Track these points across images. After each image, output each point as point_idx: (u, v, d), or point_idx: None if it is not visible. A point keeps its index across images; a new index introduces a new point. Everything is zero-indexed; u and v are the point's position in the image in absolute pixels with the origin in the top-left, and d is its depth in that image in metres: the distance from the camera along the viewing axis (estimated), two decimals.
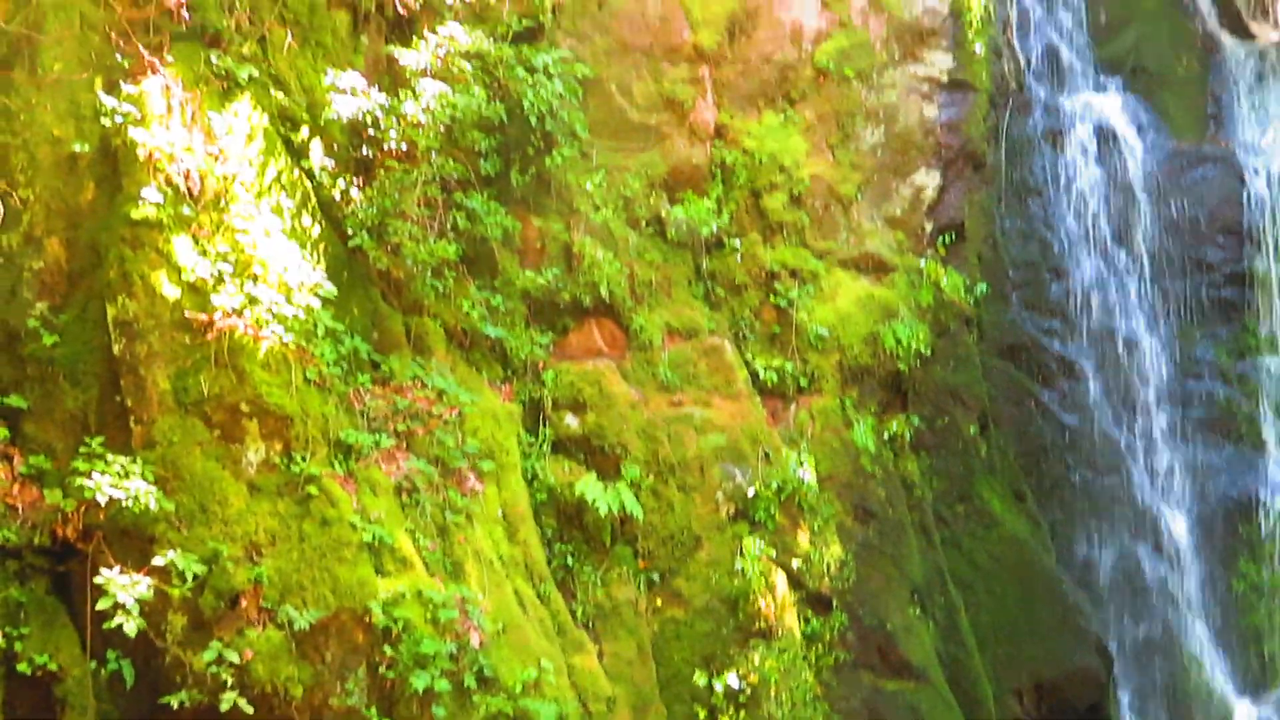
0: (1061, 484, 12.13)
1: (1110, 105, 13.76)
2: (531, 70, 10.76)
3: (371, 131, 9.66)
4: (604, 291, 10.70)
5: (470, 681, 8.12)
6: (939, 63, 12.78)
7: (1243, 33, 15.96)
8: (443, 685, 7.88)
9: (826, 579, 10.46)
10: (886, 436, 11.44)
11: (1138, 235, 13.07)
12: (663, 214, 11.41)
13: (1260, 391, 12.45)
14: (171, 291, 7.91)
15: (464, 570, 8.61)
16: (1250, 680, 11.73)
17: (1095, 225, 13.08)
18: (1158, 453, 12.43)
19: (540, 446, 9.99)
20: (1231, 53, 15.23)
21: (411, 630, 7.87)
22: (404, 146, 9.73)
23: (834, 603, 10.46)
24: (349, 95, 9.43)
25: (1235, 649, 11.86)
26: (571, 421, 10.20)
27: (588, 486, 9.73)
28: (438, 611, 8.02)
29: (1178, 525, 12.15)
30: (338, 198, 9.43)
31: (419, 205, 9.73)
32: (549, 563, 9.59)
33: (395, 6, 10.54)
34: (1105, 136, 13.43)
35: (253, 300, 8.00)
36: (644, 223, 11.36)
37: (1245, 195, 12.99)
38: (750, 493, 10.35)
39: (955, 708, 10.53)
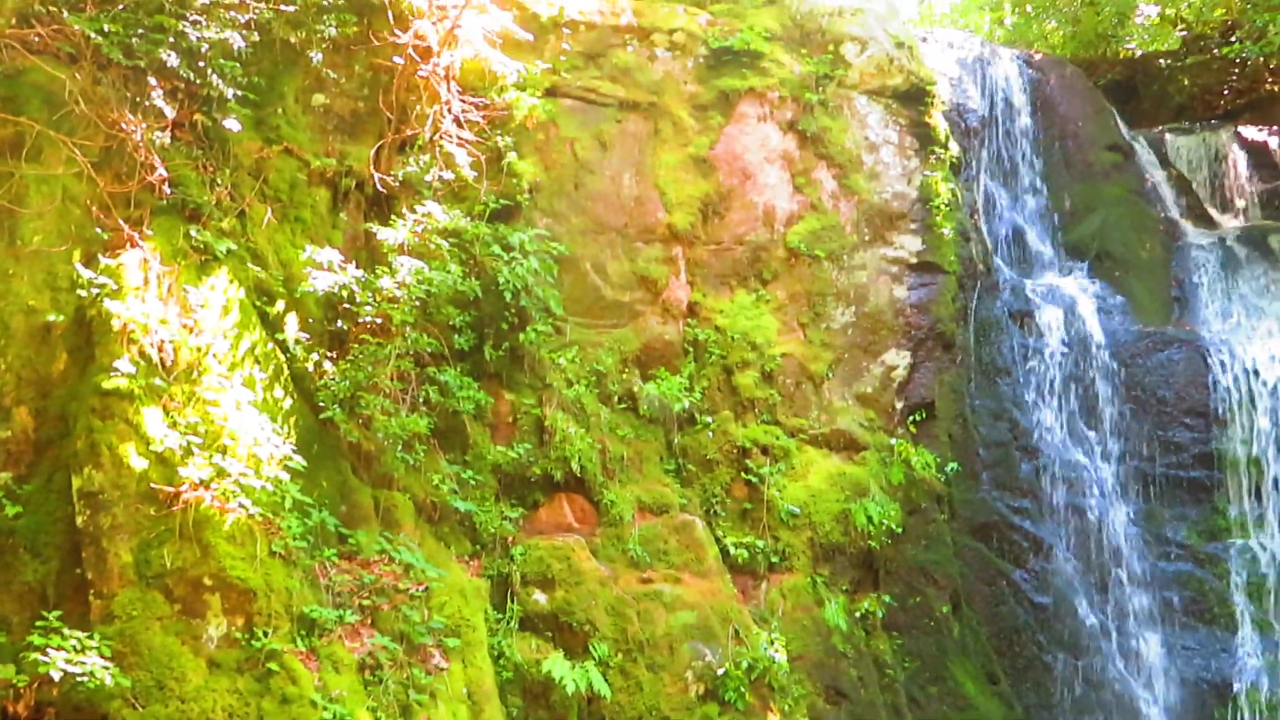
0: (1035, 665, 11.95)
1: (1076, 288, 14.03)
2: (507, 248, 10.94)
3: (347, 305, 9.72)
4: (575, 466, 10.68)
5: None
6: (908, 245, 13.05)
7: (1204, 220, 16.44)
8: None
9: None
10: (858, 615, 11.32)
11: (1106, 416, 13.17)
12: (635, 390, 11.50)
13: (1230, 573, 12.40)
14: (139, 463, 7.85)
15: None
16: None
17: (1064, 405, 13.19)
18: (1131, 634, 12.30)
19: (507, 623, 9.82)
20: (1194, 239, 15.64)
21: None
22: (379, 321, 9.79)
23: None
24: (326, 270, 9.54)
25: None
26: (540, 598, 10.06)
27: (555, 664, 9.54)
28: None
29: (1153, 710, 11.95)
30: (311, 370, 9.45)
31: (392, 379, 9.75)
32: None
33: (375, 184, 10.77)
34: (1072, 318, 13.63)
35: (221, 472, 7.95)
36: (616, 398, 11.43)
37: (1211, 378, 13.11)
38: (720, 672, 10.14)
39: None
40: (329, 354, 9.62)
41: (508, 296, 10.72)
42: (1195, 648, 12.26)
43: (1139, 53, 20.63)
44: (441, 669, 8.86)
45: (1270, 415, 12.81)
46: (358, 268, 9.81)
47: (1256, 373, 13.03)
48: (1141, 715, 11.83)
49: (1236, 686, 11.87)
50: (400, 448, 9.71)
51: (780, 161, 12.99)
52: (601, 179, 12.22)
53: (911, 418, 12.42)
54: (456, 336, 10.63)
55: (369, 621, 8.75)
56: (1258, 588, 12.32)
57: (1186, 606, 12.44)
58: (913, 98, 13.72)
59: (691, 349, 12.02)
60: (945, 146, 13.74)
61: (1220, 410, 12.98)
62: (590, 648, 9.89)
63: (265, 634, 7.86)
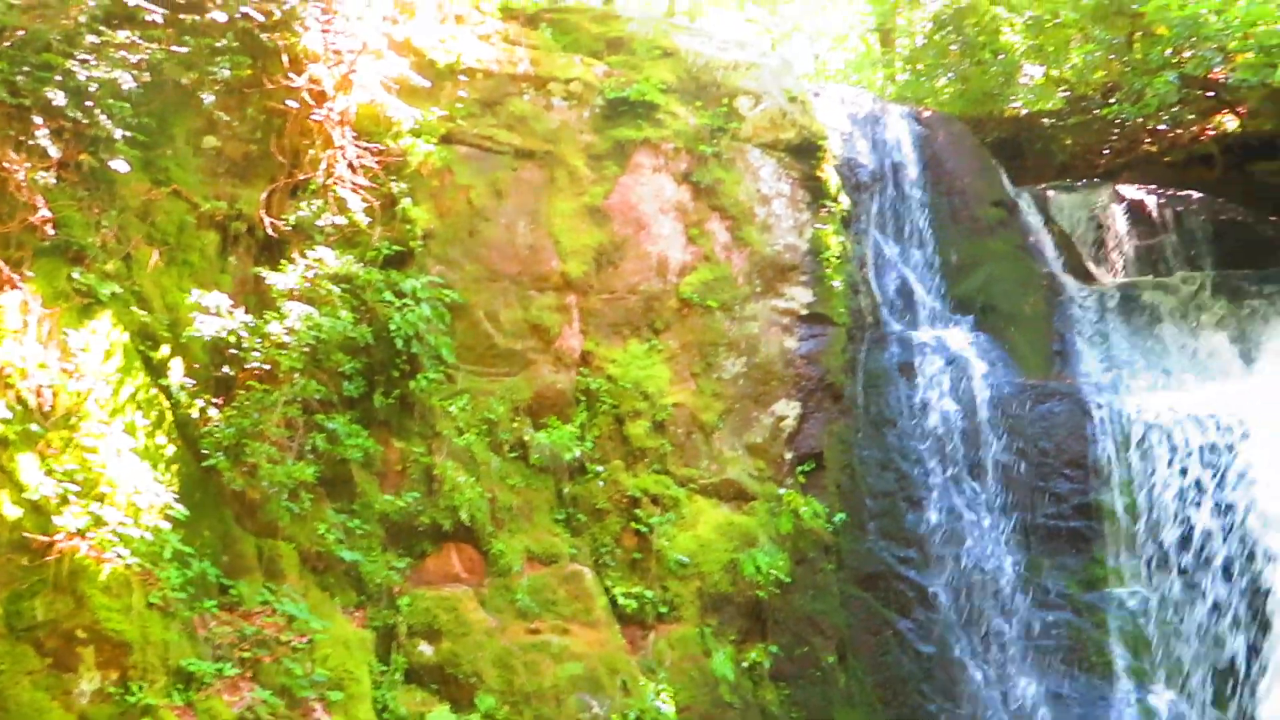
0: (919, 714, 12.00)
1: (961, 340, 14.24)
2: (400, 294, 10.87)
3: (234, 351, 9.53)
4: (464, 516, 10.57)
5: None
6: (799, 297, 13.19)
7: (1084, 276, 16.88)
8: None
9: None
10: (745, 665, 11.29)
11: (990, 467, 13.35)
12: (526, 439, 11.45)
13: (1107, 622, 12.60)
14: (12, 511, 7.59)
15: None
16: None
17: (949, 456, 13.36)
18: (1011, 683, 12.43)
19: (392, 675, 9.66)
20: (1074, 294, 16.04)
21: None
22: (266, 367, 9.62)
23: None
24: (213, 314, 9.37)
25: None
26: (426, 649, 9.92)
27: (440, 718, 9.42)
28: None
29: None
30: (195, 417, 9.24)
31: (278, 426, 9.59)
32: None
33: (266, 229, 10.63)
34: (957, 370, 13.84)
35: (98, 521, 7.71)
36: (507, 447, 11.37)
37: (1090, 430, 13.36)
38: None
39: None
40: (214, 400, 9.42)
41: (399, 344, 10.62)
42: (1074, 696, 12.39)
43: (1024, 111, 21.12)
44: None
45: (1145, 466, 13.09)
46: (246, 313, 9.63)
47: (1132, 424, 13.32)
48: None
49: None
50: (285, 496, 9.53)
51: (674, 212, 13.10)
52: (496, 227, 12.22)
53: (800, 468, 12.49)
54: (346, 383, 10.50)
55: (249, 675, 8.55)
56: (1133, 637, 12.54)
57: (1065, 655, 12.59)
58: (805, 152, 13.93)
59: (584, 398, 12.01)
60: (836, 200, 13.95)
61: (1098, 461, 13.23)
62: (476, 700, 9.76)
63: (140, 688, 7.63)
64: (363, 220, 11.02)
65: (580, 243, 12.50)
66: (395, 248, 11.30)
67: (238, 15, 10.44)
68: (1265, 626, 12.18)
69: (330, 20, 11.10)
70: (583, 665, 10.24)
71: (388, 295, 10.74)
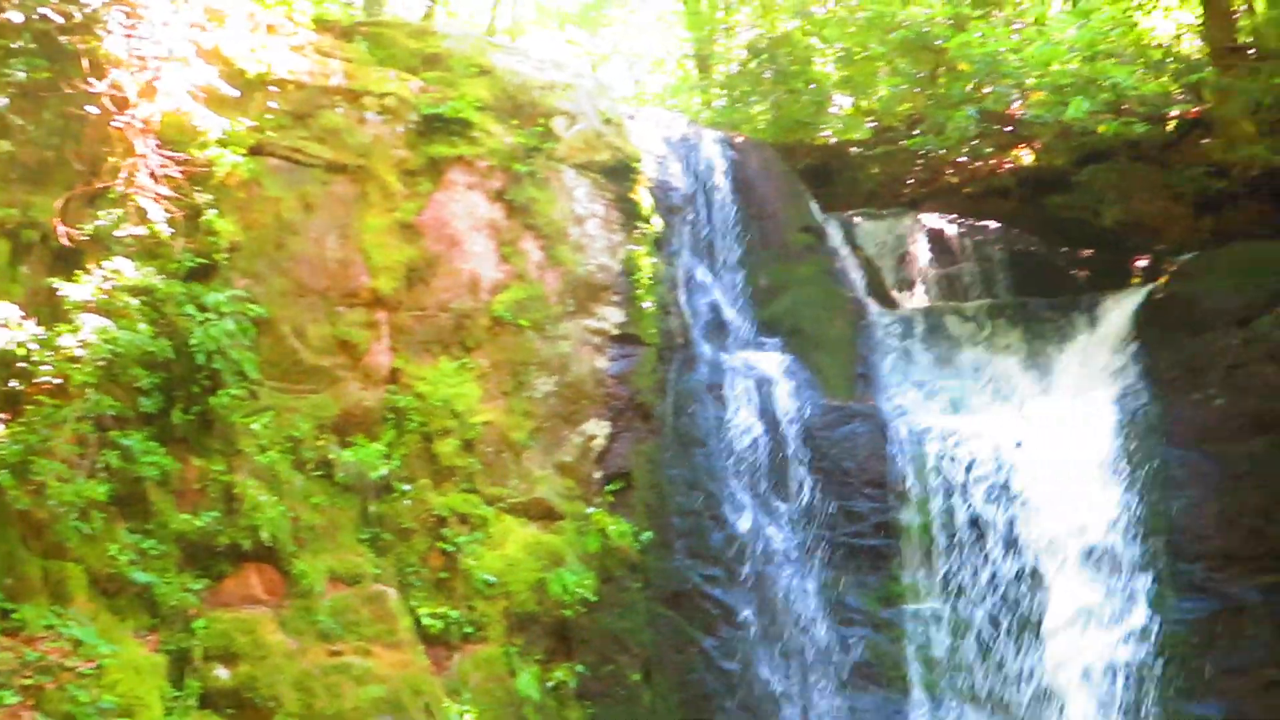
0: None
1: (769, 362, 14.50)
2: (202, 308, 10.55)
3: (23, 364, 9.10)
4: (265, 536, 10.27)
5: None
6: (611, 317, 13.25)
7: (887, 301, 17.36)
8: None
9: None
10: (551, 685, 11.28)
11: (793, 486, 13.61)
12: (331, 457, 11.21)
13: (904, 638, 12.96)
14: None
15: None
16: None
17: (754, 476, 13.57)
18: (814, 699, 12.68)
19: (185, 701, 9.32)
20: (877, 318, 16.47)
21: None
22: (58, 381, 9.21)
23: None
24: (1, 326, 8.97)
25: None
26: (222, 673, 9.62)
27: None
28: None
29: None
30: None
31: (69, 443, 9.20)
32: None
33: (61, 238, 10.21)
34: (764, 392, 14.08)
35: None
36: (311, 465, 11.12)
37: (889, 451, 13.74)
38: None
39: None
40: (1, 416, 9.00)
41: (200, 359, 10.29)
42: (871, 710, 12.71)
43: (834, 140, 21.60)
44: None
45: (940, 487, 13.52)
46: (38, 325, 9.23)
47: (928, 445, 13.75)
48: None
49: None
50: (75, 516, 9.11)
51: (487, 230, 13.04)
52: (305, 241, 11.96)
53: (609, 487, 12.54)
54: (143, 399, 10.10)
55: (31, 703, 8.14)
56: (927, 652, 12.95)
57: (863, 670, 12.90)
58: (619, 173, 14.02)
59: (392, 416, 11.83)
60: (649, 222, 14.08)
61: (897, 481, 13.62)
62: None
63: None
64: (165, 231, 10.64)
65: (391, 259, 12.34)
66: (199, 260, 10.97)
67: (35, 16, 10.04)
68: (1039, 644, 12.74)
69: (134, 25, 10.71)
70: (385, 688, 10.07)
71: (189, 309, 10.41)
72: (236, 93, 11.66)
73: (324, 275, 11.93)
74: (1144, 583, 12.85)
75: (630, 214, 13.89)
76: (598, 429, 12.69)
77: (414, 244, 12.57)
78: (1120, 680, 12.45)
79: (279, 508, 10.48)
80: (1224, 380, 13.70)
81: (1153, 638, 12.57)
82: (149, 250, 10.60)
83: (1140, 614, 12.72)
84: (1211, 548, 12.98)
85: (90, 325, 9.40)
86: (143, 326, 9.86)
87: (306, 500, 10.81)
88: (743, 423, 13.82)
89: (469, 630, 11.10)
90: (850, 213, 18.31)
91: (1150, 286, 15.97)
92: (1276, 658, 12.54)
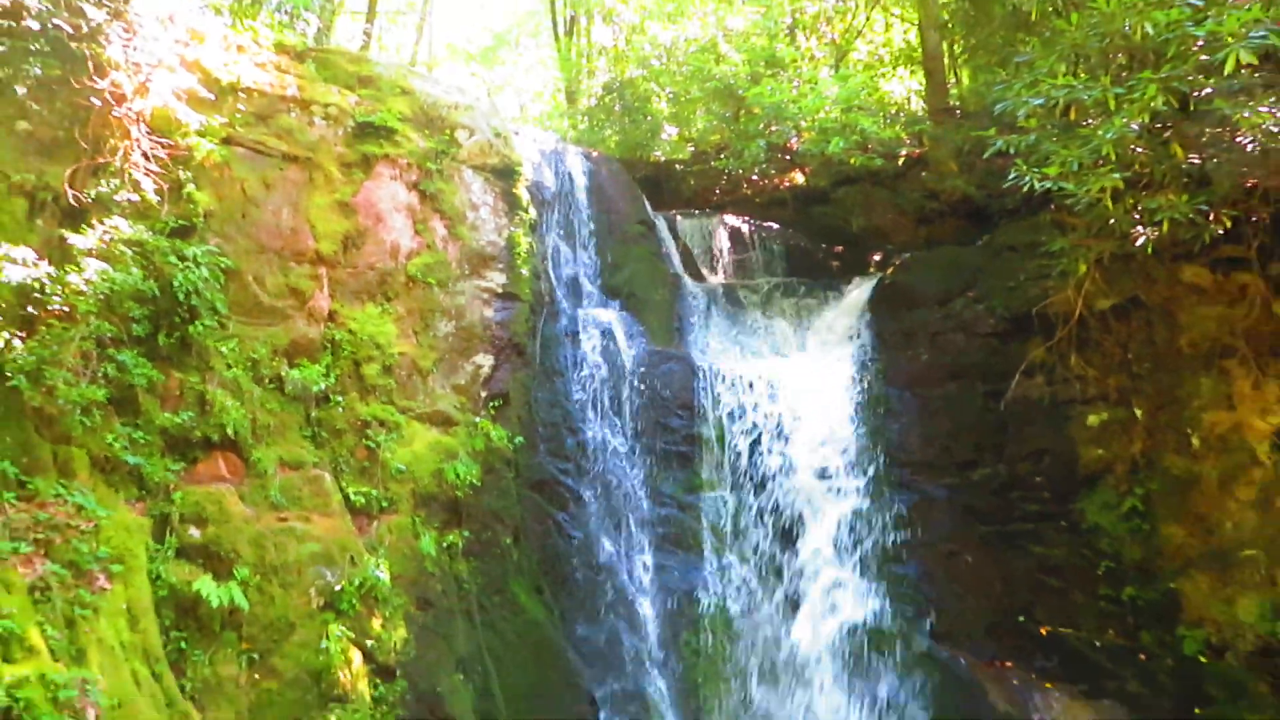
0: (569, 581, 12.30)
1: (612, 317, 14.56)
2: (183, 258, 10.12)
3: (38, 295, 8.66)
4: (230, 431, 10.01)
5: None
6: (496, 279, 13.15)
7: (698, 277, 17.54)
8: None
9: (393, 654, 10.05)
10: (445, 545, 11.25)
11: (626, 408, 13.74)
12: (283, 374, 10.91)
13: (701, 516, 13.23)
14: None
15: (87, 656, 7.59)
16: (691, 718, 12.14)
17: (598, 399, 13.67)
18: (635, 557, 12.88)
19: (165, 553, 9.06)
20: (690, 289, 16.64)
21: (32, 708, 6.79)
22: (66, 309, 8.80)
23: (397, 672, 10.03)
24: (20, 265, 8.49)
25: (682, 696, 12.21)
26: (194, 533, 9.36)
27: (204, 584, 8.91)
28: (58, 691, 6.99)
29: (647, 609, 12.55)
30: (1, 346, 8.36)
31: (75, 357, 8.79)
32: (165, 647, 8.62)
33: (69, 200, 9.67)
34: (608, 339, 14.16)
35: None
36: (267, 380, 10.81)
37: (695, 384, 13.96)
38: (338, 588, 9.84)
39: None
40: (18, 334, 8.54)
41: (180, 296, 9.90)
42: (676, 567, 12.96)
43: (663, 159, 21.74)
44: (105, 589, 8.08)
45: (729, 410, 13.80)
46: (50, 265, 8.77)
47: (722, 382, 14.01)
48: (638, 613, 12.42)
49: (700, 593, 12.71)
50: (79, 412, 8.75)
51: (405, 211, 12.78)
52: (265, 212, 11.55)
53: (492, 404, 12.50)
54: (135, 326, 9.69)
55: (42, 552, 7.84)
56: (717, 526, 13.24)
57: (672, 539, 13.14)
58: (505, 174, 13.87)
59: (330, 346, 11.55)
60: (527, 211, 13.97)
61: (700, 406, 13.85)
62: (234, 571, 9.32)
63: None
64: (154, 199, 10.20)
65: (331, 229, 12.00)
66: (180, 222, 10.52)
67: (50, 26, 9.45)
68: (797, 521, 13.14)
69: (131, 38, 10.17)
70: (320, 545, 9.93)
71: (172, 259, 9.98)
72: (212, 96, 11.19)
73: (279, 239, 11.55)
74: (866, 481, 13.31)
75: (513, 204, 13.77)
76: (484, 361, 12.61)
77: (349, 219, 12.24)
78: (849, 537, 12.93)
79: (241, 411, 10.19)
80: (929, 343, 14.22)
81: (870, 520, 13.06)
82: (140, 212, 10.15)
83: (864, 502, 13.19)
84: (914, 458, 13.52)
85: (93, 268, 9.00)
86: (135, 270, 9.47)
87: (263, 406, 10.52)
88: (592, 360, 13.87)
89: (385, 504, 10.98)
90: (673, 212, 18.42)
91: (881, 275, 16.41)
92: (954, 535, 13.16)
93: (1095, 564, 12.57)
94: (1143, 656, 12.29)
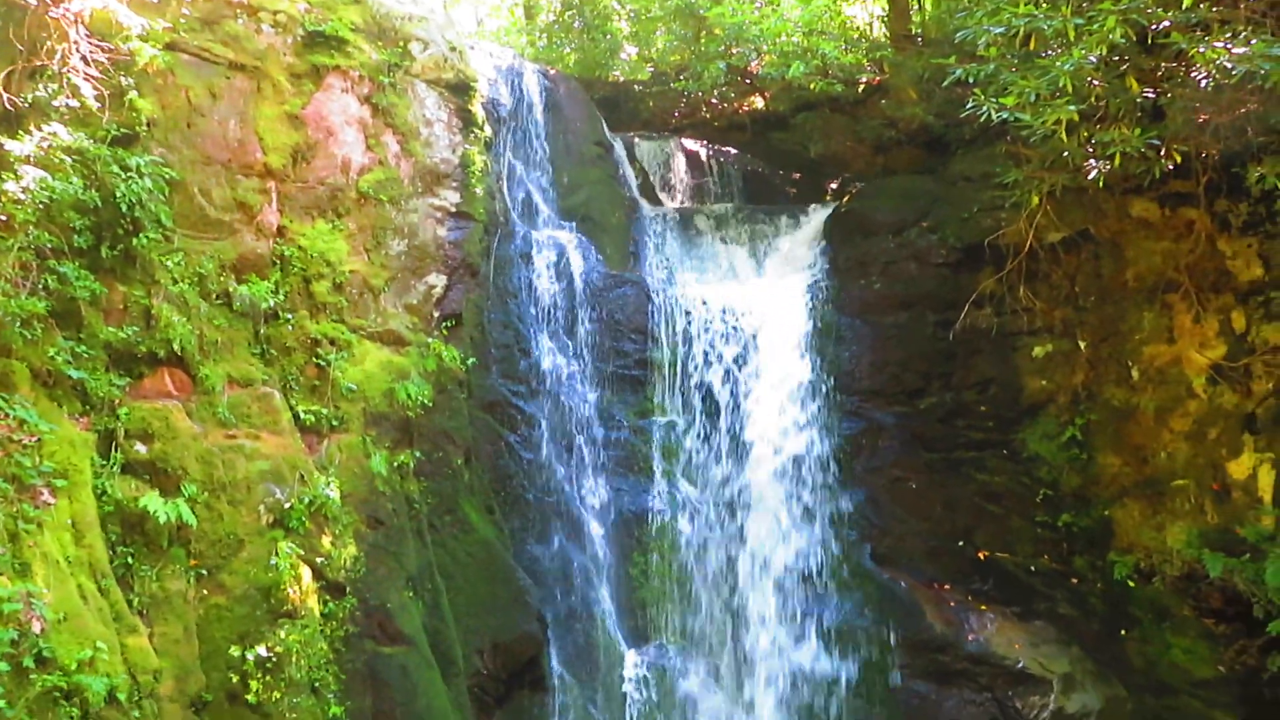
0: (520, 501, 12.42)
1: (567, 239, 14.45)
2: (125, 168, 9.82)
3: None
4: (176, 346, 9.82)
5: (29, 662, 7.12)
6: (449, 198, 12.93)
7: (655, 201, 17.43)
8: (2, 666, 6.88)
9: (343, 571, 10.12)
10: (396, 465, 11.23)
11: (580, 330, 13.74)
12: (230, 290, 10.70)
13: (652, 440, 13.38)
14: None
15: (31, 570, 7.56)
16: (637, 636, 12.46)
17: (551, 321, 13.64)
18: (586, 480, 13.03)
19: (111, 469, 8.99)
20: (647, 213, 16.56)
21: None
22: (3, 219, 8.56)
23: (347, 589, 10.12)
24: None
25: (629, 615, 12.55)
26: (141, 449, 9.27)
27: (150, 500, 8.88)
28: (2, 604, 7.00)
29: (596, 530, 12.75)
30: None
31: (14, 268, 8.58)
32: (111, 562, 8.60)
33: (4, 104, 9.34)
34: (562, 261, 14.07)
35: None
36: (215, 296, 10.59)
37: (650, 308, 13.98)
38: (287, 506, 9.85)
39: (434, 665, 10.44)
40: None
41: (124, 208, 9.61)
42: (627, 490, 13.15)
43: (622, 79, 21.38)
44: (49, 504, 8.03)
45: (683, 335, 13.86)
46: None
47: (677, 307, 14.05)
48: (587, 534, 12.62)
49: (649, 516, 12.93)
50: (19, 325, 8.55)
51: (357, 125, 12.44)
52: (211, 122, 11.19)
53: (445, 324, 12.38)
54: (76, 237, 9.42)
55: None
56: (668, 450, 13.42)
57: (623, 462, 13.30)
58: (460, 89, 13.56)
59: (279, 262, 11.31)
60: (482, 129, 13.70)
61: (654, 330, 13.89)
62: (182, 488, 9.28)
63: None
64: (94, 105, 9.84)
65: (280, 141, 11.68)
66: (122, 130, 10.16)
67: None
68: (745, 447, 13.34)
69: None
70: (270, 463, 9.91)
71: (115, 169, 9.67)
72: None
73: (226, 150, 11.22)
74: (817, 407, 13.52)
75: (468, 121, 13.49)
76: (437, 281, 12.47)
77: (299, 131, 11.91)
78: (801, 466, 13.18)
79: (188, 326, 10.01)
80: (882, 272, 14.33)
81: (820, 445, 13.30)
82: (80, 119, 9.82)
83: (814, 428, 13.42)
84: (865, 386, 13.75)
85: (31, 176, 8.75)
86: (75, 180, 9.22)
87: (210, 322, 10.34)
88: (545, 282, 13.80)
89: (335, 423, 10.91)
90: (631, 134, 18.19)
91: (837, 203, 16.44)
92: (900, 461, 13.50)
93: (1034, 491, 12.98)
94: (1074, 580, 12.77)
